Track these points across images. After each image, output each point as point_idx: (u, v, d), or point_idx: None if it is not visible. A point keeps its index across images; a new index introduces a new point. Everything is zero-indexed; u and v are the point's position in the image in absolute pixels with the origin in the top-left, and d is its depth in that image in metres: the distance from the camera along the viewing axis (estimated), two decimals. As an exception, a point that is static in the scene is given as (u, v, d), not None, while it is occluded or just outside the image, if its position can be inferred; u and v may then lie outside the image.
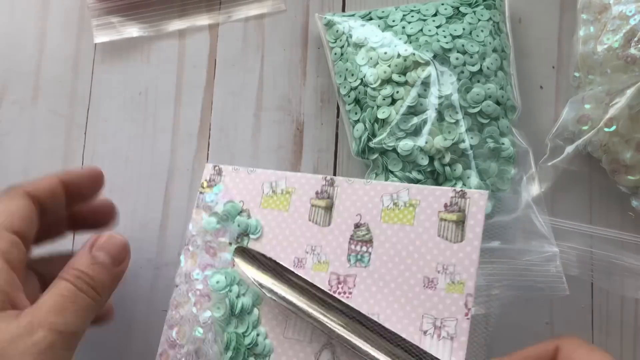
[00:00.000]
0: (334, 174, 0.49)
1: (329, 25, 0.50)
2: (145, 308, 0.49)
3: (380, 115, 0.46)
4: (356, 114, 0.47)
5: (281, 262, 0.41)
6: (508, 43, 0.48)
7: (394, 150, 0.45)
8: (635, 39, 0.43)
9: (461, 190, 0.39)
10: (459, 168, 0.44)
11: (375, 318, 0.38)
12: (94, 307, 0.36)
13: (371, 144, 0.46)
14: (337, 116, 0.50)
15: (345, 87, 0.48)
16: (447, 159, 0.44)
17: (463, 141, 0.44)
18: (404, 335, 0.37)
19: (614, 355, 0.46)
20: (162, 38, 0.53)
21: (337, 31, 0.49)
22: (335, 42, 0.49)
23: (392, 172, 0.45)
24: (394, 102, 0.46)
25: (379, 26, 0.48)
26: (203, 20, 0.53)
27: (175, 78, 0.52)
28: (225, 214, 0.43)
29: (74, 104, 0.52)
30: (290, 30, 0.52)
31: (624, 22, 0.44)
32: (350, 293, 0.39)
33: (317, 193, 0.42)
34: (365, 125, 0.46)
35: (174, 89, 0.52)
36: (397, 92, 0.46)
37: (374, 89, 0.46)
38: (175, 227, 0.50)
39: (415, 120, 0.45)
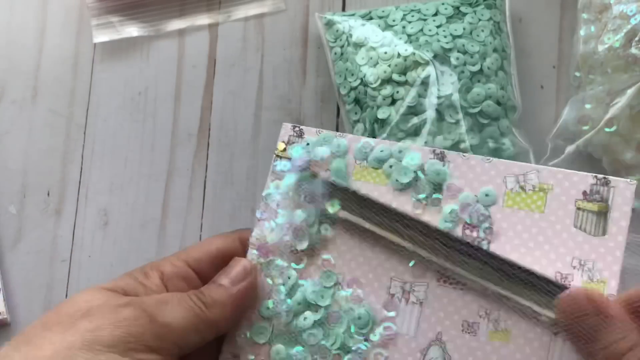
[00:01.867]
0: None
1: (329, 24, 0.50)
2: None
3: (380, 115, 0.45)
4: (356, 114, 0.47)
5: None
6: (508, 43, 0.48)
7: None
8: (636, 38, 0.43)
9: (604, 178, 0.34)
10: None
11: (495, 314, 0.33)
12: (201, 316, 0.34)
13: None
14: (337, 116, 0.50)
15: (345, 87, 0.48)
16: None
17: (463, 141, 0.44)
18: (530, 337, 0.33)
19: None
20: (161, 38, 0.53)
21: (337, 31, 0.49)
22: (335, 41, 0.49)
23: None
24: (394, 102, 0.46)
25: (379, 26, 0.48)
26: (203, 19, 0.53)
27: (174, 78, 0.52)
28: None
29: (74, 104, 0.52)
30: (290, 30, 0.52)
31: (625, 21, 0.44)
32: (464, 284, 0.34)
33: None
34: (365, 126, 0.46)
35: (174, 89, 0.52)
36: (397, 92, 0.46)
37: (374, 88, 0.46)
38: (175, 227, 0.50)
39: (415, 120, 0.45)
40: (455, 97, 0.45)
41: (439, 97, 0.45)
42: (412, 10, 0.48)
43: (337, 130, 0.50)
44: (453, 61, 0.46)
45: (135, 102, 0.52)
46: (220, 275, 0.36)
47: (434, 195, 0.36)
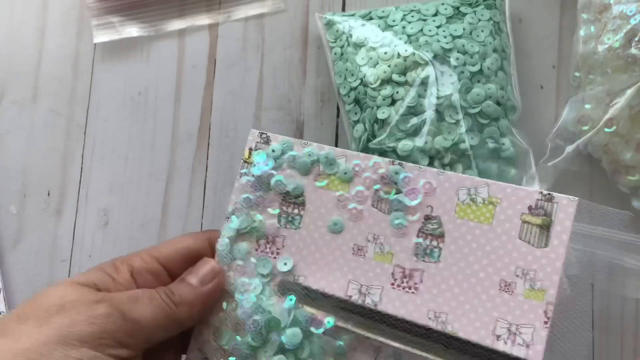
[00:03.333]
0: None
1: (329, 24, 0.50)
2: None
3: (380, 116, 0.46)
4: (356, 114, 0.47)
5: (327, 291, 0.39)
6: (508, 43, 0.48)
7: (394, 151, 0.45)
8: (636, 38, 0.43)
9: (549, 194, 0.36)
10: (459, 168, 0.44)
11: (443, 317, 0.36)
12: (170, 314, 0.36)
13: (370, 145, 0.46)
14: (337, 116, 0.50)
15: (345, 87, 0.48)
16: (447, 159, 0.44)
17: (463, 141, 0.44)
18: (474, 338, 0.35)
19: (614, 356, 0.46)
20: (161, 38, 0.53)
21: (337, 31, 0.49)
22: (335, 41, 0.49)
23: None
24: (393, 102, 0.46)
25: (379, 26, 0.48)
26: (203, 19, 0.53)
27: (175, 78, 0.52)
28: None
29: (74, 104, 0.52)
30: (290, 30, 0.52)
31: (625, 21, 0.44)
32: (416, 289, 0.37)
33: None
34: (365, 126, 0.46)
35: (174, 89, 0.52)
36: (397, 92, 0.46)
37: (373, 89, 0.46)
38: (175, 227, 0.50)
39: (415, 120, 0.45)
40: (455, 97, 0.45)
41: (438, 98, 0.45)
42: (412, 11, 0.48)
43: (337, 129, 0.50)
44: (453, 61, 0.46)
45: (135, 102, 0.52)
46: (188, 274, 0.38)
47: (400, 198, 0.39)
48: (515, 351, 0.34)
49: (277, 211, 0.40)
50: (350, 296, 0.38)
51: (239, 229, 0.40)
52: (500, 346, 0.35)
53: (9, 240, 0.49)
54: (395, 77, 0.46)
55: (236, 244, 0.40)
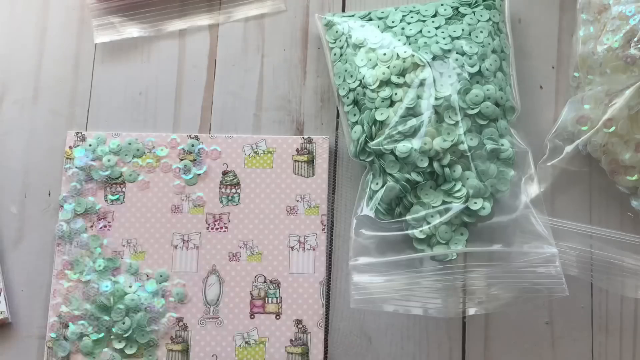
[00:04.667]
0: (334, 173, 0.50)
1: (329, 25, 0.50)
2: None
3: (379, 117, 0.46)
4: (355, 115, 0.47)
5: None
6: (508, 43, 0.48)
7: (392, 152, 0.45)
8: (635, 39, 0.43)
9: (309, 137, 0.49)
10: (458, 169, 0.44)
11: (250, 244, 0.48)
12: None
13: (368, 147, 0.46)
14: (337, 116, 0.50)
15: (344, 89, 0.48)
16: (446, 160, 0.44)
17: (462, 142, 0.44)
18: (275, 254, 0.48)
19: (614, 356, 0.46)
20: (162, 38, 0.53)
21: (336, 32, 0.49)
22: (335, 42, 0.49)
23: (389, 174, 0.45)
24: (392, 103, 0.46)
25: (378, 27, 0.48)
26: (203, 20, 0.53)
27: (175, 78, 0.52)
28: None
29: (74, 104, 0.52)
30: (290, 30, 0.52)
31: (624, 22, 0.44)
32: (226, 228, 0.49)
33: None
34: (363, 128, 0.46)
35: (174, 89, 0.52)
36: (396, 93, 0.46)
37: (372, 90, 0.46)
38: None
39: (414, 122, 0.45)
40: (454, 98, 0.45)
41: (437, 99, 0.45)
42: (412, 12, 0.48)
43: (336, 129, 0.50)
44: (452, 62, 0.46)
45: (136, 102, 0.52)
46: None
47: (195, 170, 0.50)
48: (306, 256, 0.48)
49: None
50: (176, 246, 0.48)
51: (75, 210, 0.49)
52: (294, 255, 0.48)
53: (10, 240, 0.49)
54: (394, 78, 0.46)
55: (74, 223, 0.49)
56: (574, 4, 0.48)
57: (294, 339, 0.46)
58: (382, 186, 0.45)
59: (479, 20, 0.48)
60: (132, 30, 0.53)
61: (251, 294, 0.47)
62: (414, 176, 0.45)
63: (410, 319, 0.46)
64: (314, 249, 0.48)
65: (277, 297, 0.47)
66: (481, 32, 0.47)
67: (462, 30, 0.47)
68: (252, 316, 0.47)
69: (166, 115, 0.51)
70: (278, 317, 0.47)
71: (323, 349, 0.46)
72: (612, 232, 0.45)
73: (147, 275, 0.48)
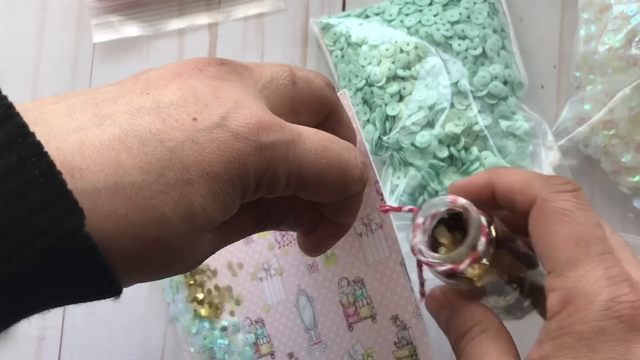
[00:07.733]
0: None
1: (326, 28, 0.49)
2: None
3: (390, 112, 0.46)
4: (365, 114, 0.47)
5: None
6: (506, 21, 0.48)
7: (411, 144, 0.45)
8: (637, 39, 0.43)
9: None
10: (474, 151, 0.45)
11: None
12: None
13: (383, 142, 0.46)
14: (337, 116, 0.50)
15: (350, 89, 0.48)
16: (461, 143, 0.45)
17: (476, 123, 0.44)
18: (347, 247, 0.40)
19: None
20: (161, 37, 0.53)
21: (334, 34, 0.49)
22: (335, 44, 0.49)
23: (410, 164, 0.45)
24: (402, 98, 0.46)
25: (376, 23, 0.48)
26: (202, 19, 0.53)
27: (174, 78, 0.52)
28: None
29: (73, 104, 0.52)
30: (290, 29, 0.52)
31: (625, 21, 0.44)
32: (294, 239, 0.42)
33: None
34: (375, 125, 0.46)
35: (174, 89, 0.52)
36: (404, 87, 0.46)
37: (380, 87, 0.46)
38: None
39: (427, 112, 0.45)
40: (462, 83, 0.45)
41: (445, 87, 0.45)
42: (407, 3, 0.48)
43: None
44: (455, 48, 0.46)
45: (134, 102, 0.52)
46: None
47: None
48: (376, 236, 0.38)
49: None
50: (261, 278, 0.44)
51: None
52: (365, 241, 0.39)
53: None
54: (400, 72, 0.46)
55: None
56: (575, 3, 0.48)
57: (397, 341, 0.39)
58: (404, 178, 0.45)
59: (475, 3, 0.47)
60: (131, 30, 0.52)
61: (341, 302, 0.41)
62: (437, 161, 0.44)
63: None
64: (381, 227, 0.38)
65: (365, 297, 0.40)
66: (480, 13, 0.47)
67: (460, 14, 0.47)
68: (350, 328, 0.41)
69: (165, 115, 0.51)
70: (374, 320, 0.40)
71: (429, 343, 0.38)
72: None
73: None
